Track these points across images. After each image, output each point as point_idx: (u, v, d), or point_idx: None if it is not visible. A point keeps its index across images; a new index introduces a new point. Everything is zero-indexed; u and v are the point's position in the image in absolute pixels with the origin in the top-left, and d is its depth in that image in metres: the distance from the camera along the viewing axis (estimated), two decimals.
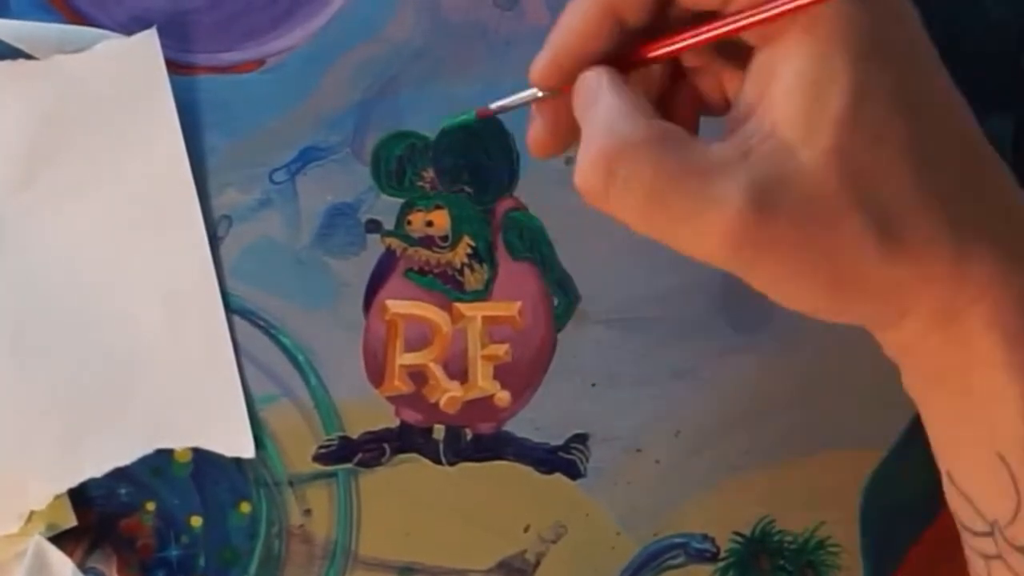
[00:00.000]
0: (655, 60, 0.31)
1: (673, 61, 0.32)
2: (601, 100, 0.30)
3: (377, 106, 0.43)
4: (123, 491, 0.42)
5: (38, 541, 0.40)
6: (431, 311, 0.43)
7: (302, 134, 0.42)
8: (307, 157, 0.42)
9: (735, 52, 0.31)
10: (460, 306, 0.43)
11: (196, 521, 0.42)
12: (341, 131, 0.42)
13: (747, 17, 0.29)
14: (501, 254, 0.43)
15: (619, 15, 0.30)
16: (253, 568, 0.42)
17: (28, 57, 0.41)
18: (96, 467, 0.41)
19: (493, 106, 0.34)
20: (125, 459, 0.41)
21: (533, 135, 0.33)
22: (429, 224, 0.43)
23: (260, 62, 0.42)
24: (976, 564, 0.32)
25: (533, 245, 0.43)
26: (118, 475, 0.41)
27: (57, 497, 0.41)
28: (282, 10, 0.42)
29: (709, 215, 0.28)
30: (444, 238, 0.43)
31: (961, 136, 0.29)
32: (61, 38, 0.41)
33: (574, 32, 0.31)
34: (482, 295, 0.43)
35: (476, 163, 0.43)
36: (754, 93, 0.29)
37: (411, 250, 0.43)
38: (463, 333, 0.43)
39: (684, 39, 0.30)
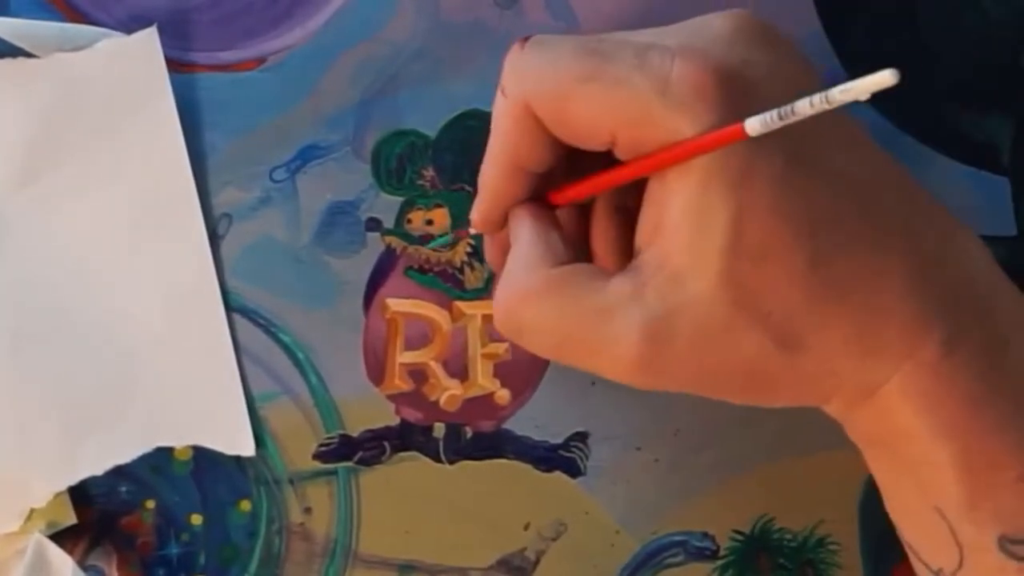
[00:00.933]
0: (560, 204, 0.34)
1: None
2: (515, 243, 0.33)
3: (377, 105, 0.43)
4: (123, 489, 0.42)
5: (38, 539, 0.40)
6: (431, 309, 0.43)
7: (302, 132, 0.42)
8: (307, 155, 0.42)
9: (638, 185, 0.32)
10: (460, 304, 0.43)
11: (196, 519, 0.42)
12: (341, 129, 0.42)
13: (635, 168, 0.30)
14: None
15: (524, 167, 0.33)
16: (253, 566, 0.42)
17: (28, 55, 0.41)
18: (96, 465, 0.41)
19: (472, 231, 0.37)
20: (125, 457, 0.41)
21: (491, 261, 0.38)
22: (429, 223, 0.43)
23: (260, 60, 0.42)
24: None
25: None
26: (118, 473, 0.41)
27: (57, 495, 0.41)
28: (282, 9, 0.42)
29: (612, 352, 0.30)
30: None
31: (859, 212, 0.30)
32: (61, 36, 0.41)
33: (493, 185, 0.34)
34: (482, 293, 0.43)
35: (476, 162, 0.43)
36: (649, 226, 0.30)
37: (411, 248, 0.43)
38: (463, 331, 0.43)
39: (580, 187, 0.33)
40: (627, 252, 0.33)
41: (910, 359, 0.29)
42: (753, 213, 0.29)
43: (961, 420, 0.29)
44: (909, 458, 0.30)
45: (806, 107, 0.26)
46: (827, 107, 0.25)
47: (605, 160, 0.32)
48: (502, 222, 0.35)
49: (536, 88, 0.31)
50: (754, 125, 0.27)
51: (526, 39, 0.32)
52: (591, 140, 0.31)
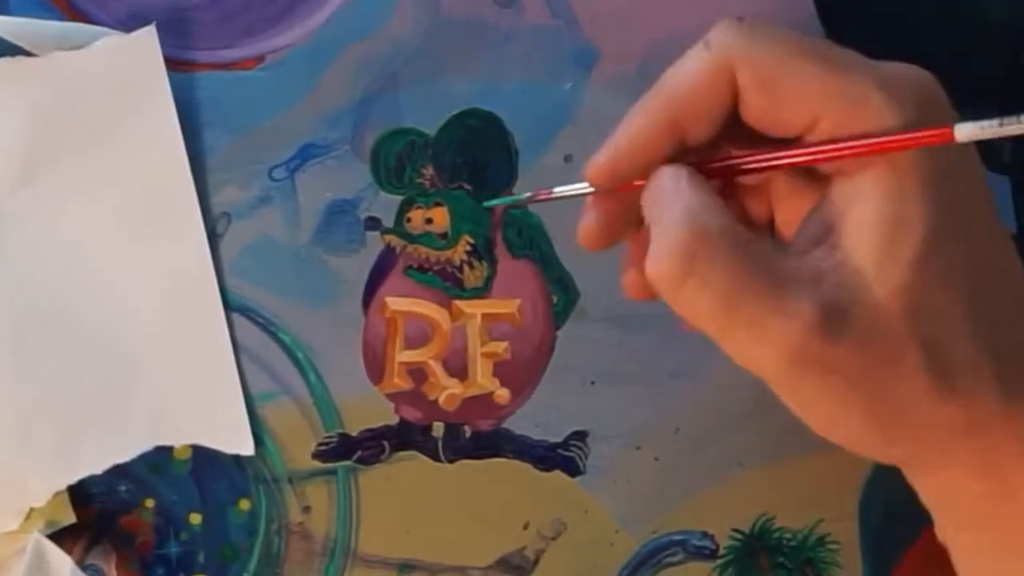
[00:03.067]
0: (727, 175, 0.32)
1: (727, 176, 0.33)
2: (682, 193, 0.30)
3: (377, 103, 0.43)
4: (122, 488, 0.42)
5: (37, 538, 0.40)
6: (431, 308, 0.43)
7: (301, 131, 0.42)
8: (306, 154, 0.42)
9: (798, 176, 0.31)
10: (459, 303, 0.43)
11: (195, 518, 0.42)
12: (341, 128, 0.42)
13: (833, 152, 0.29)
14: (500, 251, 0.43)
15: (682, 130, 0.30)
16: (252, 565, 0.42)
17: (27, 54, 0.41)
18: (95, 464, 0.41)
19: (551, 193, 0.35)
20: (124, 456, 0.41)
21: (585, 229, 0.33)
22: (429, 221, 0.43)
23: (259, 59, 0.42)
24: None
25: (532, 243, 0.43)
26: (117, 472, 0.41)
27: (56, 494, 0.41)
28: (282, 7, 0.42)
29: (777, 325, 0.28)
30: (444, 235, 0.43)
31: (1013, 284, 0.30)
32: (60, 35, 0.41)
33: (636, 139, 0.31)
34: (481, 292, 0.43)
35: (476, 160, 0.43)
36: (828, 221, 0.29)
37: (410, 247, 0.43)
38: (462, 330, 0.43)
39: (763, 160, 0.31)
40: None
41: None
42: (947, 238, 0.28)
43: None
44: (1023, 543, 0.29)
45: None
46: None
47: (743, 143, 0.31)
48: (622, 180, 0.31)
49: (753, 51, 0.29)
50: (966, 130, 0.26)
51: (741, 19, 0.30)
52: (788, 120, 0.29)
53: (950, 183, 0.29)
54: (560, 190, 0.34)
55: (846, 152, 0.29)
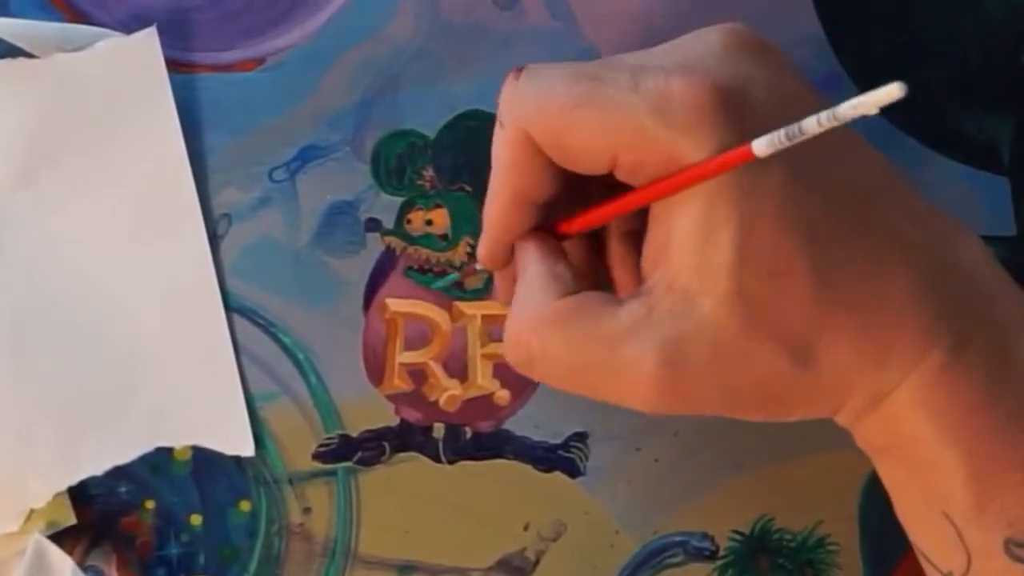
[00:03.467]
0: (569, 234, 0.34)
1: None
2: (523, 276, 0.33)
3: (377, 105, 0.43)
4: (123, 489, 0.42)
5: (38, 539, 0.40)
6: (431, 310, 0.43)
7: (302, 133, 0.42)
8: (307, 156, 0.42)
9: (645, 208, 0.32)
10: (460, 304, 0.43)
11: (196, 519, 0.42)
12: (341, 130, 0.42)
13: (642, 195, 0.30)
14: None
15: (527, 197, 0.33)
16: (253, 566, 0.42)
17: (28, 55, 0.41)
18: (96, 465, 0.41)
19: (475, 269, 0.40)
20: (125, 457, 0.41)
21: (501, 294, 0.38)
22: (429, 223, 0.43)
23: (260, 61, 0.42)
24: None
25: None
26: (118, 473, 0.41)
27: (57, 495, 0.41)
28: (282, 9, 0.43)
29: (625, 379, 0.30)
30: (444, 237, 0.43)
31: (860, 224, 0.30)
32: (61, 36, 0.41)
33: (497, 220, 0.34)
34: (482, 294, 0.43)
35: (476, 162, 0.43)
36: (655, 247, 0.30)
37: (411, 249, 0.43)
38: (463, 331, 0.43)
39: (587, 217, 0.33)
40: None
41: (917, 367, 0.29)
42: (758, 229, 0.29)
43: (967, 425, 0.29)
44: (917, 464, 0.30)
45: (814, 126, 0.25)
46: (835, 124, 0.25)
47: (609, 184, 0.32)
48: (508, 257, 0.35)
49: (532, 117, 0.31)
50: (761, 146, 0.27)
51: (520, 69, 0.32)
52: (591, 165, 0.31)
53: (757, 173, 0.29)
54: (480, 267, 0.37)
55: (651, 194, 0.30)
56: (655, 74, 0.29)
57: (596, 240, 0.36)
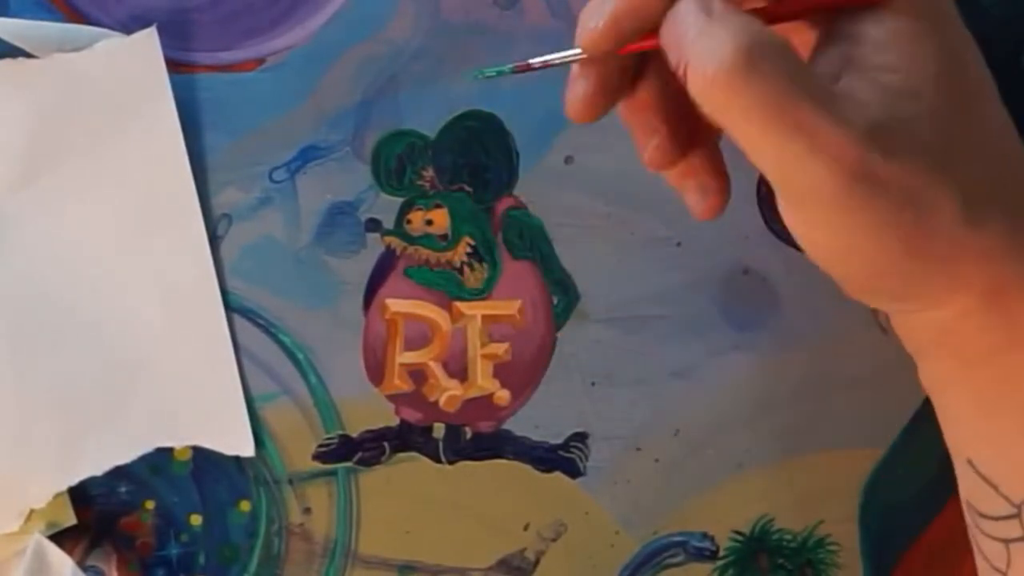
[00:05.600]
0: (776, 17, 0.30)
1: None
2: (723, 15, 0.28)
3: (377, 105, 0.43)
4: (123, 489, 0.42)
5: (38, 539, 0.40)
6: (431, 310, 0.43)
7: (302, 133, 0.42)
8: (307, 156, 0.42)
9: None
10: (460, 305, 0.43)
11: (196, 519, 0.42)
12: (341, 130, 0.42)
13: None
14: (501, 253, 0.43)
15: None
16: (253, 566, 0.42)
17: (28, 56, 0.41)
18: (96, 465, 0.41)
19: (535, 61, 0.32)
20: (125, 457, 0.41)
21: (575, 99, 0.32)
22: (429, 223, 0.43)
23: (260, 61, 0.42)
24: (991, 550, 0.32)
25: (533, 244, 0.43)
26: (118, 473, 0.41)
27: (57, 495, 0.41)
28: (282, 9, 0.42)
29: (832, 133, 0.27)
30: (444, 237, 0.43)
31: (1004, 120, 0.31)
32: (61, 37, 0.41)
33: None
34: (482, 294, 0.43)
35: (476, 162, 0.43)
36: (835, 59, 0.29)
37: (411, 249, 0.43)
38: (463, 332, 0.43)
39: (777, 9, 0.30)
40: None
41: None
42: (963, 53, 0.29)
43: None
44: (1017, 373, 0.29)
45: None
46: None
47: None
48: (623, 43, 0.30)
49: None
50: None
51: None
52: None
53: (953, 12, 0.30)
54: (551, 58, 0.32)
55: None
56: None
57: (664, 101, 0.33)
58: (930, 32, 0.28)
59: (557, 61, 0.32)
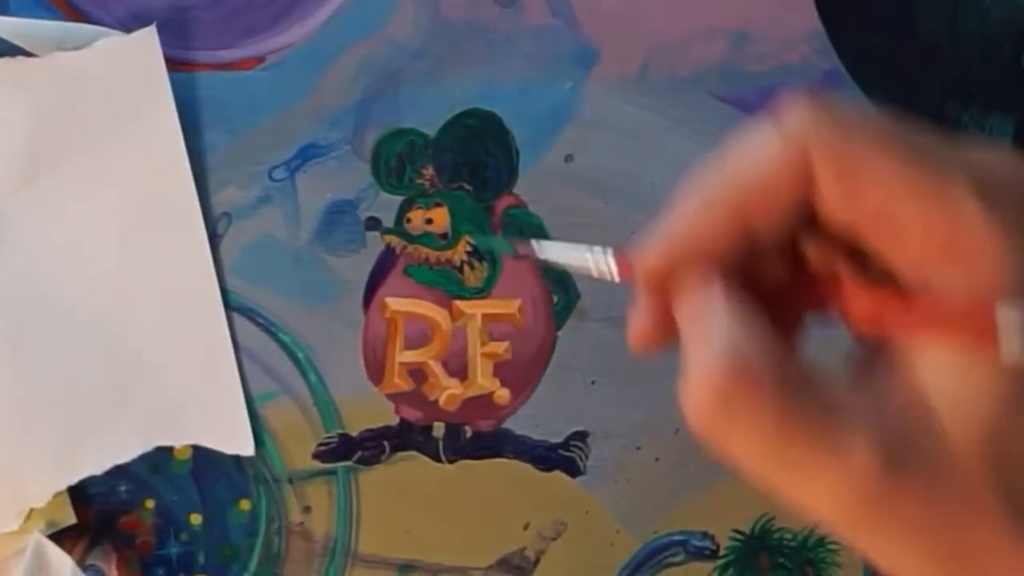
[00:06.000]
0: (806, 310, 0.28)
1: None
2: (716, 313, 0.26)
3: (377, 103, 0.43)
4: (123, 489, 0.42)
5: (38, 538, 0.40)
6: (431, 309, 0.43)
7: (302, 131, 0.42)
8: (307, 154, 0.42)
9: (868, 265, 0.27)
10: (460, 303, 0.43)
11: (196, 518, 0.42)
12: (341, 128, 0.42)
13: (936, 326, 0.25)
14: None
15: (749, 221, 0.26)
16: (253, 565, 0.42)
17: (28, 54, 0.41)
18: (96, 465, 0.41)
19: (544, 257, 0.30)
20: (124, 457, 0.41)
21: (637, 331, 0.29)
22: (429, 221, 0.43)
23: (260, 59, 0.42)
24: None
25: None
26: (118, 473, 0.41)
27: (57, 495, 0.41)
28: (282, 8, 0.42)
29: (832, 468, 0.25)
30: (444, 235, 0.43)
31: None
32: (61, 35, 0.41)
33: (697, 229, 0.27)
34: (482, 293, 0.43)
35: (476, 161, 0.43)
36: (886, 348, 0.26)
37: (411, 247, 0.43)
38: (463, 331, 0.43)
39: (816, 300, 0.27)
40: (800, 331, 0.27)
41: None
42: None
43: None
44: None
45: None
46: None
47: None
48: (666, 278, 0.27)
49: (834, 138, 0.25)
50: None
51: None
52: (880, 225, 0.25)
53: None
54: (561, 259, 0.30)
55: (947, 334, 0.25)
56: (981, 147, 0.25)
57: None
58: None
59: (568, 265, 0.29)
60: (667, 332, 0.28)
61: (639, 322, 0.29)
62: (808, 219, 0.26)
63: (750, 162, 0.26)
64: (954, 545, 0.25)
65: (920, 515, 0.25)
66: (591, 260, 0.28)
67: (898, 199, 0.25)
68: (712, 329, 0.26)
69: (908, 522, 0.25)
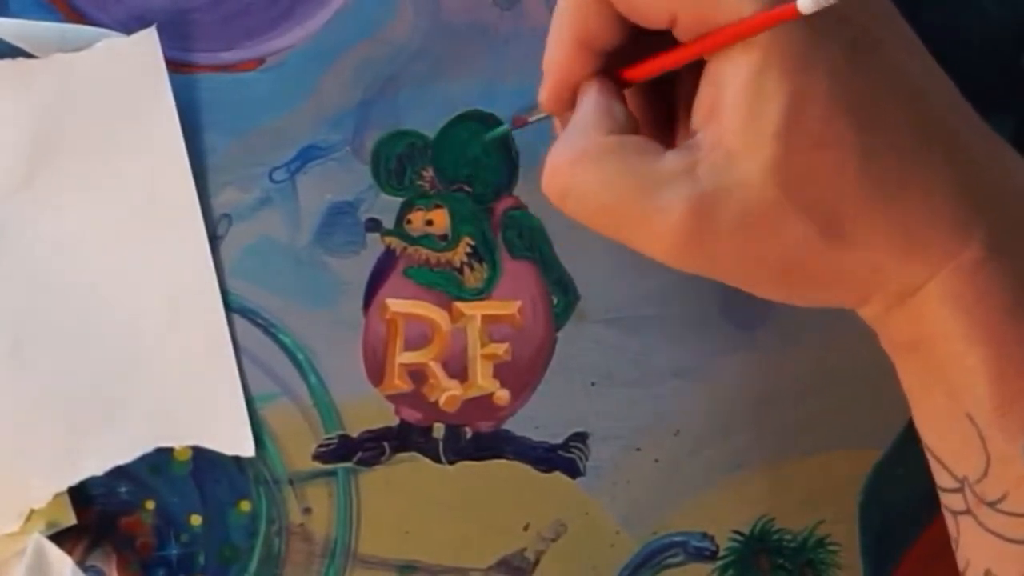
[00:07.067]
0: (629, 81, 0.34)
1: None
2: (577, 110, 0.33)
3: (377, 105, 0.43)
4: (123, 489, 0.42)
5: (38, 539, 0.40)
6: (431, 310, 0.43)
7: (302, 133, 0.42)
8: (307, 156, 0.42)
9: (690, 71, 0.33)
10: (460, 305, 0.43)
11: (196, 519, 0.42)
12: (341, 130, 0.42)
13: (693, 48, 0.31)
14: (501, 253, 0.43)
15: (591, 44, 0.33)
16: (253, 566, 0.42)
17: (28, 56, 0.41)
18: (96, 465, 0.41)
19: (532, 118, 0.38)
20: (125, 457, 0.41)
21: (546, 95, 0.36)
22: (429, 223, 0.43)
23: (260, 61, 0.42)
24: (950, 523, 0.33)
25: (533, 244, 0.43)
26: (118, 473, 0.41)
27: (57, 495, 0.41)
28: (282, 9, 0.42)
29: (655, 224, 0.30)
30: (444, 237, 0.43)
31: (912, 112, 0.30)
32: (61, 37, 0.41)
33: (560, 62, 0.34)
34: (482, 294, 0.43)
35: (476, 162, 0.43)
36: (706, 105, 0.31)
37: (411, 249, 0.43)
38: (463, 332, 0.43)
39: (645, 66, 0.33)
40: (667, 133, 0.34)
41: (951, 262, 0.30)
42: (809, 100, 0.29)
43: (996, 325, 0.30)
44: (941, 362, 0.31)
45: None
46: None
47: (672, 38, 0.32)
48: (571, 101, 0.34)
49: None
50: (807, 3, 0.27)
51: None
52: (651, 18, 0.31)
53: (815, 40, 0.29)
54: (535, 117, 0.37)
55: (703, 47, 0.30)
56: None
57: (653, 94, 0.36)
58: (776, 88, 0.29)
59: (539, 118, 0.37)
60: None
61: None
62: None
63: (568, 2, 0.33)
64: (776, 264, 0.30)
65: (734, 249, 0.30)
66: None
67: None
68: (573, 118, 0.33)
69: (725, 256, 0.30)
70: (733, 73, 0.29)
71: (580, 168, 0.31)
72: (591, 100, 0.33)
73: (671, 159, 0.30)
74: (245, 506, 0.42)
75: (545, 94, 0.35)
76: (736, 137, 0.29)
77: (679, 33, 0.31)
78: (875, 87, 0.30)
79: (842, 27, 0.29)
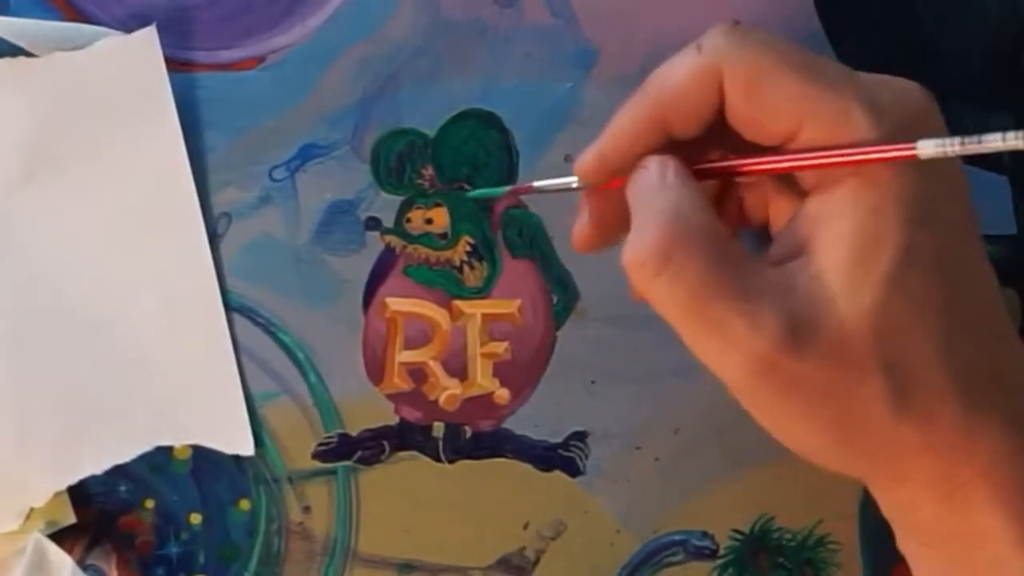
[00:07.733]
0: (709, 176, 0.32)
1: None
2: (668, 186, 0.30)
3: (377, 103, 0.43)
4: (122, 488, 0.42)
5: (37, 538, 0.40)
6: (431, 308, 0.43)
7: (302, 131, 0.42)
8: (307, 154, 0.42)
9: (787, 181, 0.32)
10: (460, 303, 0.43)
11: (195, 518, 0.42)
12: (341, 128, 0.42)
13: (809, 159, 0.29)
14: (500, 251, 0.43)
15: (667, 128, 0.31)
16: (253, 565, 0.42)
17: (28, 55, 0.41)
18: (96, 464, 0.41)
19: (535, 184, 0.35)
20: (125, 456, 0.41)
21: (578, 230, 0.34)
22: (429, 221, 0.43)
23: (260, 59, 0.42)
24: None
25: (532, 243, 0.43)
26: (117, 472, 0.41)
27: (57, 494, 0.41)
28: (282, 7, 0.43)
29: (743, 331, 0.28)
30: (443, 235, 0.43)
31: (989, 310, 0.30)
32: (61, 35, 0.41)
33: (622, 134, 0.32)
34: (481, 292, 0.43)
35: (476, 161, 0.43)
36: (802, 234, 0.30)
37: (411, 247, 0.43)
38: (463, 330, 0.43)
39: (743, 164, 0.31)
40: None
41: (1006, 465, 0.29)
42: (920, 259, 0.28)
43: None
44: (982, 562, 0.30)
45: (997, 141, 0.26)
46: (1018, 145, 0.26)
47: (735, 143, 0.31)
48: (610, 175, 0.32)
49: (742, 57, 0.30)
50: (928, 147, 0.27)
51: (738, 23, 0.31)
52: (772, 126, 0.30)
53: (930, 202, 0.29)
54: (541, 184, 0.35)
55: (809, 163, 0.29)
56: (878, 77, 0.30)
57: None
58: (892, 234, 0.28)
59: (550, 187, 0.35)
60: (605, 234, 0.34)
61: (582, 222, 0.34)
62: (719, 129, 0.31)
63: (670, 75, 0.31)
64: (839, 412, 0.29)
65: (812, 387, 0.28)
66: (558, 182, 0.34)
67: (793, 109, 0.29)
68: (662, 196, 0.30)
69: (800, 390, 0.28)
70: (847, 209, 0.29)
71: (691, 244, 0.29)
72: (685, 179, 0.30)
73: (770, 273, 0.29)
74: (245, 505, 0.42)
75: (594, 157, 0.32)
76: (841, 275, 0.28)
77: (794, 147, 0.30)
78: (970, 264, 0.30)
79: (953, 199, 0.29)
